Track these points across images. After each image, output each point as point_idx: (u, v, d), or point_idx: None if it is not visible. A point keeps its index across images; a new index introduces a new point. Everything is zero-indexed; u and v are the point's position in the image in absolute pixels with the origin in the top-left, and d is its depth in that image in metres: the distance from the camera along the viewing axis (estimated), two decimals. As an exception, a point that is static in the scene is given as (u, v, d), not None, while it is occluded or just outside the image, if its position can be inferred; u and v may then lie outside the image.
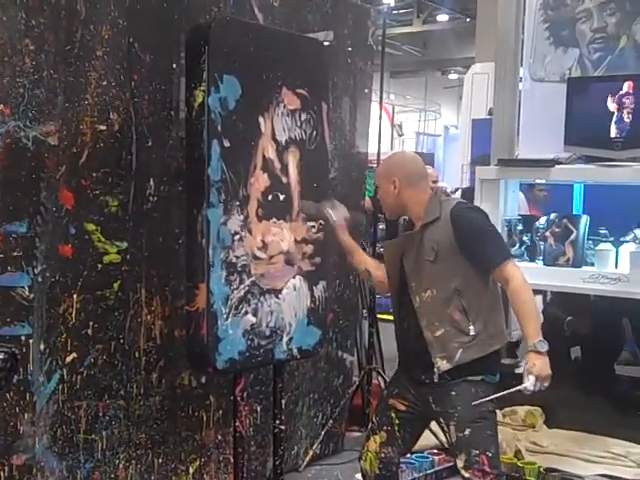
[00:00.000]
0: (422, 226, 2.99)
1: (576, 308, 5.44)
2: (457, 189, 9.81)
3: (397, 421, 3.10)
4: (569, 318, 5.49)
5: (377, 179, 3.20)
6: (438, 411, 2.99)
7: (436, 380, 2.94)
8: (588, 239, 4.53)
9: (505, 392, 2.91)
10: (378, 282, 3.31)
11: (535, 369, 2.78)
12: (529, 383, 2.79)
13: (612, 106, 4.40)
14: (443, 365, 2.92)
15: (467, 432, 2.91)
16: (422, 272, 2.98)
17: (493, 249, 2.94)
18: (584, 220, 4.58)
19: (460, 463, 2.94)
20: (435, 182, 6.46)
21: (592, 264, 4.44)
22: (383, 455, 3.12)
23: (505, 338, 3.03)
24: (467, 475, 2.92)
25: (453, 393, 2.93)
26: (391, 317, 3.21)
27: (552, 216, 4.69)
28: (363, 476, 3.20)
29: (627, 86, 4.37)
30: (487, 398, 2.89)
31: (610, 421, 4.59)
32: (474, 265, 2.93)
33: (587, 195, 5.58)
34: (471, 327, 2.90)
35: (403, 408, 3.10)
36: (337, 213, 3.38)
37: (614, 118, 4.40)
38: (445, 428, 2.99)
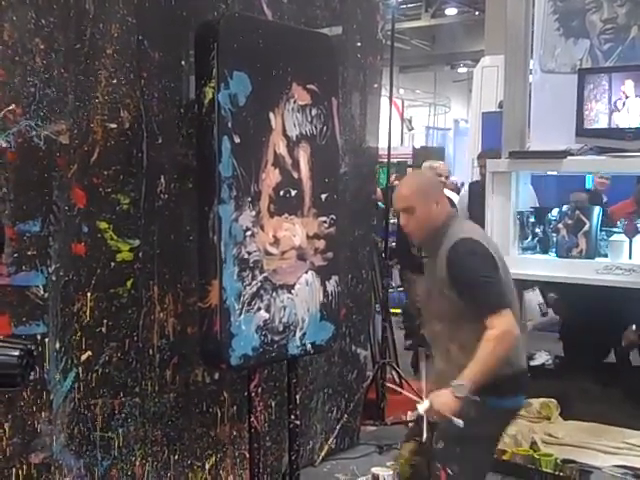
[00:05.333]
0: (434, 252, 2.88)
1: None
2: (462, 184, 9.77)
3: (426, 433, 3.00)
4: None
5: (410, 203, 2.88)
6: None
7: None
8: (601, 230, 4.51)
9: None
10: None
11: (434, 396, 2.69)
12: (421, 406, 2.73)
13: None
14: None
15: (440, 445, 2.85)
16: (431, 303, 2.92)
17: (481, 301, 2.76)
18: (597, 211, 4.56)
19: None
20: (447, 178, 6.44)
21: (605, 255, 4.42)
22: (413, 462, 3.09)
23: (514, 366, 2.82)
24: None
25: None
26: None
27: (564, 208, 4.67)
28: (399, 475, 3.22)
29: None
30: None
31: (625, 412, 4.57)
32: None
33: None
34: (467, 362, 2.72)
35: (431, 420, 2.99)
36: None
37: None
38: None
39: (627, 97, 4.38)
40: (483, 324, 2.72)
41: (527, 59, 5.12)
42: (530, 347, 5.47)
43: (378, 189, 5.30)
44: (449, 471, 2.81)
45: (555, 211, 4.72)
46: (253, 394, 3.32)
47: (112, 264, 3.19)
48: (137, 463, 3.34)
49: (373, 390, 5.08)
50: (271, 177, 3.24)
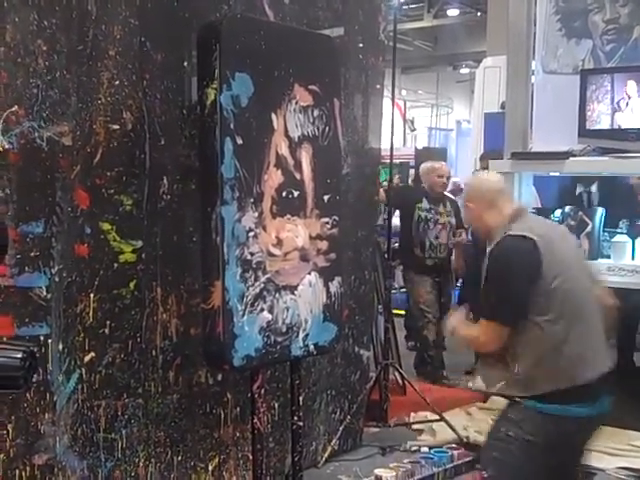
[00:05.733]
0: None
1: None
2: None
3: None
4: None
5: (467, 202, 3.09)
6: None
7: None
8: (604, 231, 4.51)
9: None
10: None
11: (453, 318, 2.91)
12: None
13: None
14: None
15: (484, 444, 2.88)
16: None
17: (488, 302, 2.80)
18: (600, 212, 4.56)
19: None
20: (448, 178, 6.43)
21: (608, 256, 4.42)
22: None
23: (573, 380, 2.71)
24: None
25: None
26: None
27: (567, 209, 4.68)
28: None
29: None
30: None
31: (630, 414, 4.56)
32: None
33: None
34: (510, 365, 2.77)
35: None
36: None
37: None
38: None
39: (630, 98, 4.38)
40: (533, 325, 2.70)
41: (529, 60, 5.12)
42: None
43: (381, 190, 5.29)
44: (484, 474, 2.77)
45: (558, 212, 4.72)
46: (256, 395, 3.32)
47: (115, 265, 3.19)
48: (140, 464, 3.34)
49: (376, 391, 5.08)
50: (273, 178, 3.24)
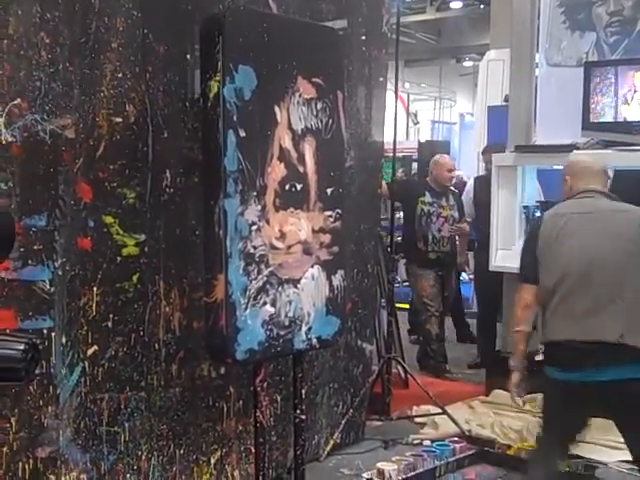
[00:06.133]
0: None
1: None
2: (468, 177, 9.72)
3: None
4: None
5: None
6: None
7: None
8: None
9: None
10: None
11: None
12: None
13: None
14: None
15: None
16: None
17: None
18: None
19: None
20: (452, 171, 6.41)
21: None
22: None
23: (545, 336, 3.14)
24: None
25: None
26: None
27: (570, 202, 4.66)
28: None
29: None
30: None
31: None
32: None
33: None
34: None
35: None
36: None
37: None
38: None
39: (636, 90, 4.36)
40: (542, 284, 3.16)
41: (533, 52, 5.11)
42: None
43: (384, 183, 5.28)
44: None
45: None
46: (259, 389, 3.32)
47: (118, 259, 3.19)
48: (143, 457, 3.34)
49: (379, 385, 5.08)
50: (277, 171, 3.23)
